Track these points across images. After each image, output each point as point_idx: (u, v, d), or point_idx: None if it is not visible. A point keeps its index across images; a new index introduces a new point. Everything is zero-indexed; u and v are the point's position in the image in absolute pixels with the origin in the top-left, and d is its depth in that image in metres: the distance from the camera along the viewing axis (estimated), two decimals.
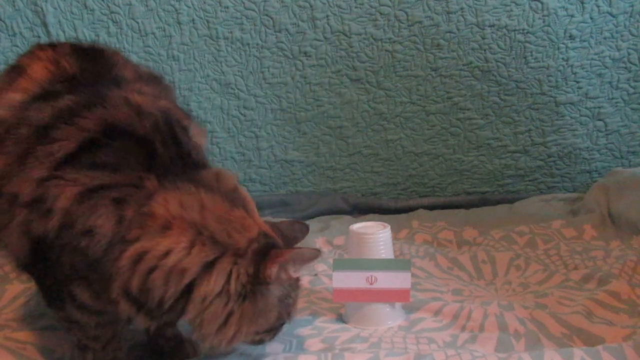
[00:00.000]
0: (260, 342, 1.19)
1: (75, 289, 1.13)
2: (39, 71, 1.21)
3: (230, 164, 2.23)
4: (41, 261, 1.14)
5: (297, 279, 1.19)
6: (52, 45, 1.32)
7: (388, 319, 1.44)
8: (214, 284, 1.06)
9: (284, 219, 1.32)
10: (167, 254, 1.05)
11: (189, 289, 1.07)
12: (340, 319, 1.48)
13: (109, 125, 1.12)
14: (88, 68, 1.25)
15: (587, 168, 2.23)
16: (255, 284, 1.09)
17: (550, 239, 1.87)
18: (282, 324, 1.19)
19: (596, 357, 1.20)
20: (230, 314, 1.08)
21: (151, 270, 1.06)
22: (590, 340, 1.33)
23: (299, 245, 1.22)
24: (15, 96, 1.18)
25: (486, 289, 1.63)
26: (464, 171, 2.26)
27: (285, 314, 1.18)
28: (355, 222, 1.62)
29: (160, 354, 1.35)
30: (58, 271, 1.13)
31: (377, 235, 1.44)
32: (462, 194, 2.27)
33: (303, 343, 1.36)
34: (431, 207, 2.20)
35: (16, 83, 1.21)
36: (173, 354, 1.34)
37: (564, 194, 2.21)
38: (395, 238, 1.85)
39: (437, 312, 1.46)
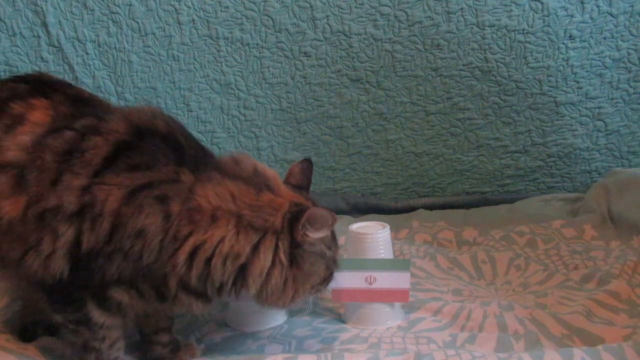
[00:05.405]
0: (317, 292, 1.29)
1: (113, 293, 1.18)
2: (40, 117, 1.22)
3: None
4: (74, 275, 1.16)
5: (332, 232, 1.27)
6: (45, 95, 1.29)
7: (387, 319, 1.44)
8: (263, 260, 1.17)
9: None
10: (221, 241, 1.15)
11: (242, 269, 1.17)
12: (340, 319, 1.48)
13: (134, 126, 1.19)
14: (84, 108, 1.27)
15: (587, 168, 2.23)
16: (294, 248, 1.20)
17: (550, 239, 1.87)
18: (332, 273, 1.28)
19: (596, 357, 1.20)
20: (286, 281, 1.19)
21: (209, 258, 1.15)
22: (590, 340, 1.33)
23: None
24: (24, 138, 1.19)
25: (486, 289, 1.62)
26: (464, 171, 2.26)
27: (332, 264, 1.27)
28: (355, 222, 1.61)
29: None
30: (94, 279, 1.16)
31: (376, 235, 1.44)
32: (462, 194, 2.27)
33: (302, 343, 1.36)
34: (431, 207, 2.19)
35: (18, 129, 1.21)
36: None
37: (564, 194, 2.20)
38: (395, 238, 1.85)
39: (436, 312, 1.46)
